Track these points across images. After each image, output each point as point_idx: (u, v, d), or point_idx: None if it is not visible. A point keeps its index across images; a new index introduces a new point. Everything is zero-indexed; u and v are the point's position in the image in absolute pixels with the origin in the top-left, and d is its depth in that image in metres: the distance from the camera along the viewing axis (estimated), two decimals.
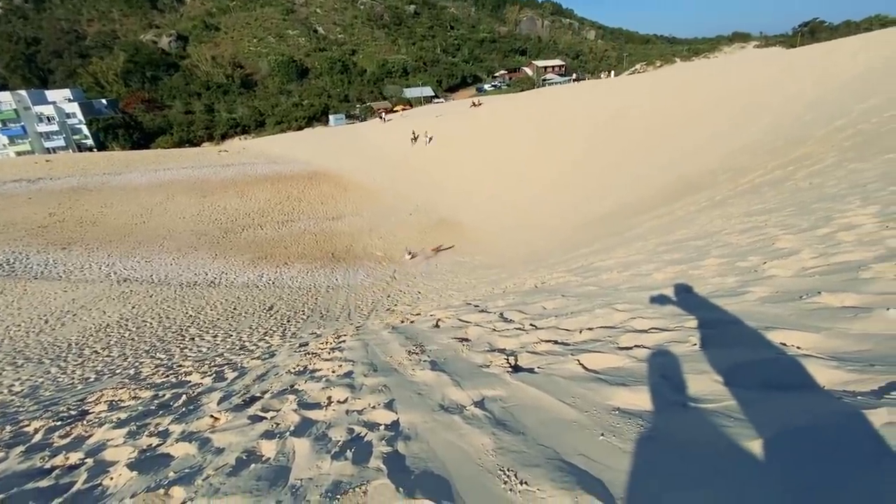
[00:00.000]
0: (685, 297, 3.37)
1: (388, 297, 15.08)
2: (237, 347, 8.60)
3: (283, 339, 8.92)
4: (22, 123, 65.59)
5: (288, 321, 12.65)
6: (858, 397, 1.51)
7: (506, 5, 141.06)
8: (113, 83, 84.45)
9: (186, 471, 2.34)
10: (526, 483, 1.54)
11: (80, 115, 67.84)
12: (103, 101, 75.41)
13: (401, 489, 1.68)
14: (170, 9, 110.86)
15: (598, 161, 28.04)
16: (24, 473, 2.87)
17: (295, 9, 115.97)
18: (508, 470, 1.64)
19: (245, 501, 1.89)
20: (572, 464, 1.59)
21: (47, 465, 2.95)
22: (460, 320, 4.74)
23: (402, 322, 5.88)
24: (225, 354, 7.62)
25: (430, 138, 41.93)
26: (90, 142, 67.93)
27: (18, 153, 62.10)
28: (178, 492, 2.10)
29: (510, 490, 1.53)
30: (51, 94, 69.31)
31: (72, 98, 69.34)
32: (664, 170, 21.15)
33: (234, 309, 14.84)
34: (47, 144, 66.43)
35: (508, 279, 9.55)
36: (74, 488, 2.49)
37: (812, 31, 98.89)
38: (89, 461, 2.85)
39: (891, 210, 4.05)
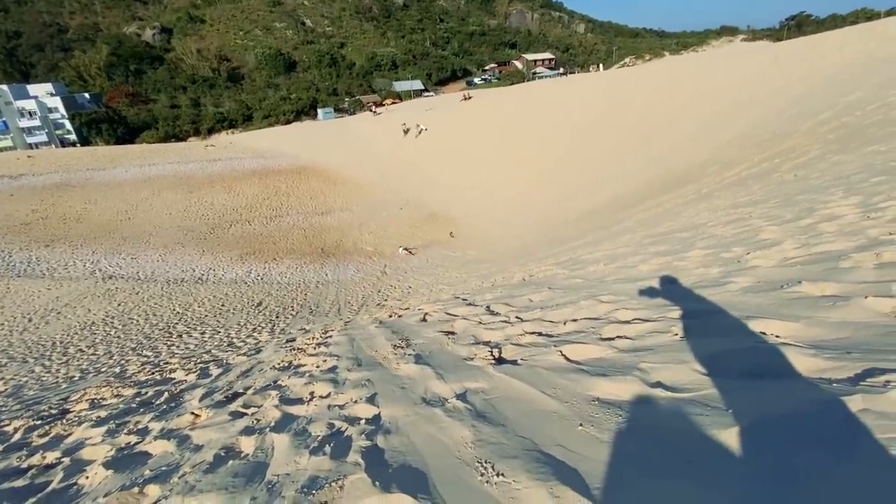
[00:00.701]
0: (669, 287, 3.38)
1: (379, 292, 15.03)
2: (225, 344, 8.52)
3: (272, 335, 8.86)
4: (3, 119, 64.30)
5: (277, 317, 12.57)
6: (835, 384, 1.51)
7: None
8: (96, 77, 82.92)
9: (163, 468, 2.30)
10: (502, 475, 1.52)
11: (62, 110, 66.59)
12: (86, 95, 74.12)
13: (377, 483, 1.66)
14: (153, 1, 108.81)
15: (588, 155, 28.13)
16: (0, 473, 2.81)
17: (282, 0, 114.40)
18: (486, 462, 1.63)
19: (220, 498, 1.86)
20: (550, 454, 1.58)
21: (24, 465, 2.90)
22: (447, 314, 4.72)
23: (391, 316, 5.85)
24: (212, 351, 7.55)
25: (422, 130, 41.80)
26: (73, 137, 66.72)
27: (0, 149, 60.81)
28: (153, 490, 2.07)
29: (486, 482, 1.52)
30: (33, 89, 67.96)
31: (54, 92, 68.04)
32: (653, 163, 21.26)
33: (223, 305, 14.71)
34: (29, 140, 65.18)
35: (498, 273, 9.56)
36: (49, 488, 2.44)
37: (799, 25, 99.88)
38: (66, 460, 2.81)
39: (872, 201, 4.09)
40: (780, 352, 1.83)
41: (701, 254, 4.23)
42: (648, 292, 3.37)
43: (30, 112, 65.49)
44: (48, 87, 69.13)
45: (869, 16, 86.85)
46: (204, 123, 75.32)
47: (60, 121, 66.81)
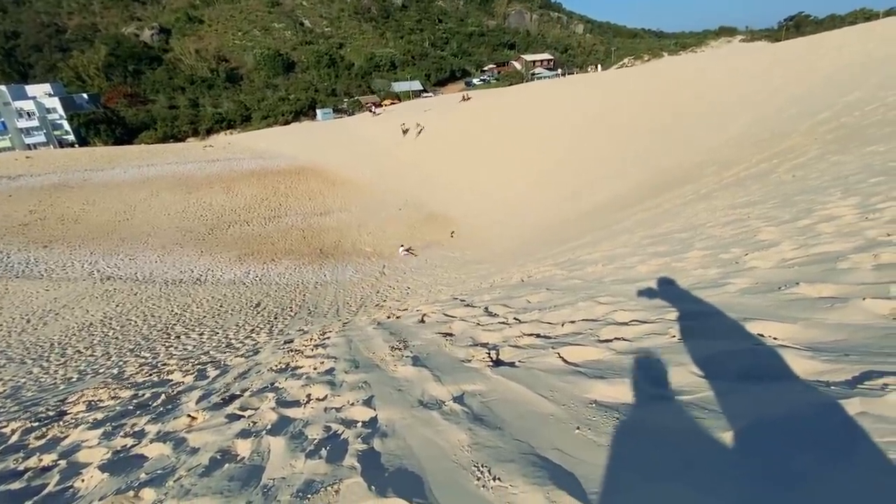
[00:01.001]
0: (667, 289, 3.37)
1: (378, 292, 15.02)
2: (223, 345, 8.51)
3: (270, 336, 8.84)
4: (1, 119, 64.12)
5: (275, 318, 12.55)
6: (832, 387, 1.51)
7: None
8: (94, 77, 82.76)
9: (159, 472, 2.29)
10: (499, 479, 1.52)
11: (60, 111, 66.39)
12: (84, 95, 73.91)
13: (373, 487, 1.65)
14: (152, 1, 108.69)
15: (587, 156, 28.13)
16: None
17: (280, 1, 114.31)
18: (482, 466, 1.62)
19: (215, 502, 1.85)
20: (546, 458, 1.58)
21: (20, 467, 2.89)
22: (445, 315, 4.71)
23: (389, 318, 5.84)
24: (210, 352, 7.53)
25: (421, 129, 41.90)
26: (71, 137, 66.56)
27: None
28: (149, 493, 2.06)
29: (483, 486, 1.51)
30: (31, 89, 67.75)
31: (52, 93, 67.83)
32: (652, 163, 21.28)
33: (221, 306, 14.69)
34: (28, 140, 65.01)
35: (497, 273, 9.55)
36: (45, 490, 2.43)
37: (797, 25, 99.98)
38: (62, 463, 2.80)
39: (871, 202, 4.09)
40: (778, 354, 1.83)
41: (699, 255, 4.23)
42: (647, 294, 3.36)
43: (28, 112, 65.29)
44: (46, 87, 68.90)
45: (868, 16, 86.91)
46: (202, 124, 75.24)
47: (59, 121, 66.64)
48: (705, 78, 30.23)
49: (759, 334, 2.08)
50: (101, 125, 67.53)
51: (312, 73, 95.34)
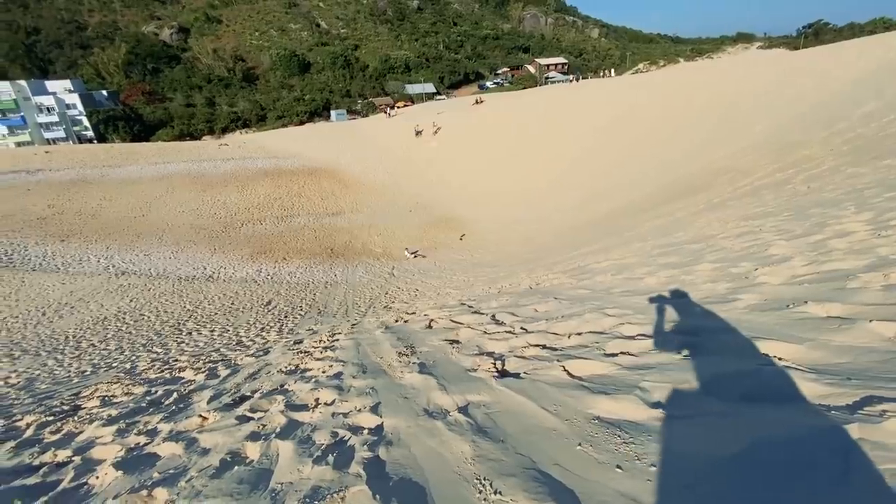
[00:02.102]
0: (675, 303, 3.37)
1: (386, 294, 15.07)
2: (234, 343, 8.61)
3: (280, 335, 8.93)
4: (22, 114, 65.34)
5: (285, 317, 12.65)
6: (833, 412, 1.52)
7: (509, 2, 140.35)
8: (114, 74, 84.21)
9: (171, 472, 2.35)
10: (500, 493, 1.55)
11: (80, 107, 67.53)
12: (104, 92, 75.16)
13: (377, 496, 1.69)
14: (171, 0, 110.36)
15: (601, 160, 28.01)
16: (12, 470, 2.87)
17: (297, 2, 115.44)
18: (485, 479, 1.65)
19: None
20: (548, 474, 1.60)
21: (36, 462, 2.96)
22: (453, 321, 4.74)
23: (397, 321, 5.89)
24: (221, 350, 7.63)
25: (437, 129, 42.08)
26: (90, 133, 67.70)
27: (18, 144, 62.00)
28: (161, 493, 2.11)
29: (484, 500, 1.54)
30: (51, 85, 68.95)
31: (72, 89, 68.96)
32: (666, 170, 21.13)
33: (232, 304, 14.84)
34: (47, 135, 66.21)
35: (506, 278, 9.56)
36: (60, 487, 2.49)
37: (816, 33, 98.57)
38: (77, 459, 2.86)
39: (884, 217, 4.05)
40: (782, 375, 1.84)
41: (709, 268, 4.22)
42: (654, 307, 3.37)
43: (48, 108, 66.44)
44: (66, 83, 70.03)
45: (888, 25, 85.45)
46: (218, 123, 76.12)
47: (78, 117, 67.78)
48: (721, 84, 29.94)
49: (764, 354, 2.09)
50: (119, 122, 68.64)
51: (327, 74, 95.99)
